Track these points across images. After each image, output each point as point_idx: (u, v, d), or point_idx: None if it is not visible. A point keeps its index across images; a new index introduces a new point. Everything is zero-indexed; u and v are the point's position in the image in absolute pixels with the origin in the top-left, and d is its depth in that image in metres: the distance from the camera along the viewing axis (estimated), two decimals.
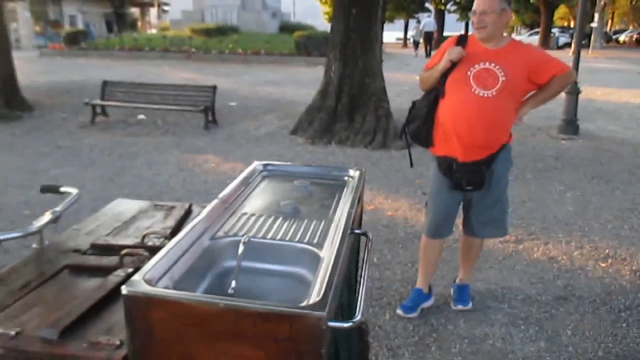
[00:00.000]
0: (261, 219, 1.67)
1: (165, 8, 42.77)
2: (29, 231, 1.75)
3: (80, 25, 32.38)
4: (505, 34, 2.78)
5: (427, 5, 38.79)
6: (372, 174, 6.00)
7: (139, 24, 41.54)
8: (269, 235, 1.57)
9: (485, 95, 2.59)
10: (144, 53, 19.71)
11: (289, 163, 2.33)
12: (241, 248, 1.32)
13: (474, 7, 2.66)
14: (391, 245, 4.05)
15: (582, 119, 8.40)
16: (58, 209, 1.88)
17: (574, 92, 7.81)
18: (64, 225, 2.07)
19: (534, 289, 3.37)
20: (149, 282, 1.21)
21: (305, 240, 1.54)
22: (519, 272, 3.61)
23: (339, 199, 1.82)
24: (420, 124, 2.82)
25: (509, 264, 3.72)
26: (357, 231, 1.68)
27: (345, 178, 2.04)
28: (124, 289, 1.16)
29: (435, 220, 2.94)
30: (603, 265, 3.71)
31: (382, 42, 8.08)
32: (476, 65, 2.63)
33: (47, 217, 1.83)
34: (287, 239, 1.55)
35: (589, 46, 27.82)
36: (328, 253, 1.40)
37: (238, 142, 7.56)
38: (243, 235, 1.50)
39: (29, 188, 5.40)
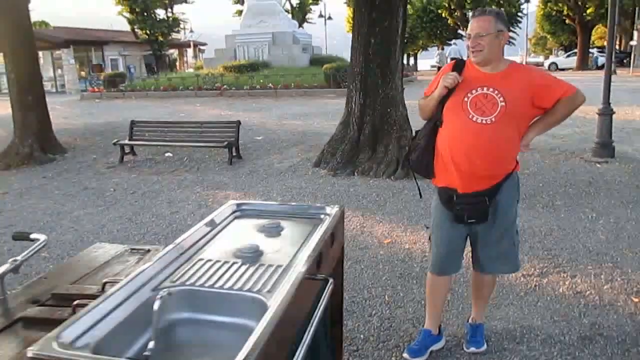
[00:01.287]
0: (217, 265, 1.55)
1: (202, 48, 44.12)
2: None
3: (121, 68, 33.69)
4: (509, 58, 2.64)
5: (460, 31, 38.77)
6: (393, 205, 5.83)
7: (177, 64, 43.00)
8: (219, 284, 1.44)
9: (483, 122, 2.44)
10: (179, 92, 20.22)
11: (265, 202, 2.20)
12: (157, 304, 1.20)
13: (468, 30, 2.53)
14: (405, 281, 3.85)
15: (618, 141, 8.02)
16: (19, 257, 1.81)
17: (607, 113, 7.47)
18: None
19: (557, 327, 3.11)
20: (62, 342, 1.10)
21: (257, 288, 1.41)
22: (542, 309, 3.34)
23: (308, 240, 1.68)
24: (420, 154, 2.67)
25: (530, 300, 3.46)
26: (318, 276, 1.54)
27: (322, 216, 1.91)
28: (29, 351, 1.06)
29: (439, 255, 2.76)
30: (635, 300, 3.40)
31: (403, 71, 7.98)
32: (473, 91, 2.49)
33: (5, 266, 1.76)
34: (237, 287, 1.42)
35: (630, 65, 27.00)
36: (275, 302, 1.26)
37: (260, 177, 7.53)
38: (193, 285, 1.39)
39: (49, 230, 5.47)
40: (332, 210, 1.92)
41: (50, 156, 9.50)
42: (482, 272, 2.81)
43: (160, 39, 37.15)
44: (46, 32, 31.88)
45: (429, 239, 2.86)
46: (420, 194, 3.01)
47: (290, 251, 1.63)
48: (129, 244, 2.28)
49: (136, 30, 36.77)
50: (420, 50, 45.56)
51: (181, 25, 39.92)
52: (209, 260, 1.59)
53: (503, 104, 2.42)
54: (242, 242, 1.68)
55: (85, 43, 33.81)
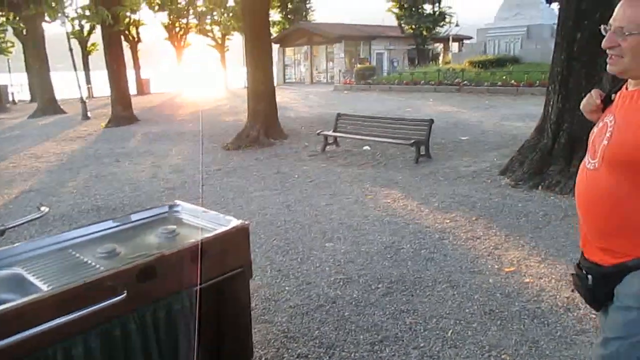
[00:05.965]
0: (65, 259, 1.67)
1: (467, 42, 43.32)
2: None
3: (385, 62, 35.51)
4: None
5: None
6: (553, 230, 4.99)
7: (440, 58, 43.19)
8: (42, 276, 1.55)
9: (589, 166, 1.70)
10: (419, 87, 20.43)
11: (198, 207, 2.18)
12: None
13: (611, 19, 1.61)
14: (488, 319, 3.31)
15: None
16: (9, 223, 2.18)
17: None
18: None
19: None
20: None
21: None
22: None
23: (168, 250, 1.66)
24: None
25: None
26: (119, 291, 1.51)
27: (219, 229, 1.82)
28: None
29: None
30: None
31: None
32: (605, 119, 1.70)
33: None
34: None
35: None
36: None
37: (435, 179, 7.22)
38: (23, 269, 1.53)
39: (222, 206, 6.26)
40: (231, 223, 1.83)
41: (272, 141, 10.76)
42: None
43: (424, 33, 37.87)
44: (323, 27, 35.70)
45: None
46: None
47: (131, 258, 1.64)
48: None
49: (402, 25, 38.17)
50: None
51: (446, 20, 39.85)
52: (73, 253, 1.71)
53: (605, 142, 1.61)
54: (112, 242, 1.75)
55: (355, 38, 36.68)
